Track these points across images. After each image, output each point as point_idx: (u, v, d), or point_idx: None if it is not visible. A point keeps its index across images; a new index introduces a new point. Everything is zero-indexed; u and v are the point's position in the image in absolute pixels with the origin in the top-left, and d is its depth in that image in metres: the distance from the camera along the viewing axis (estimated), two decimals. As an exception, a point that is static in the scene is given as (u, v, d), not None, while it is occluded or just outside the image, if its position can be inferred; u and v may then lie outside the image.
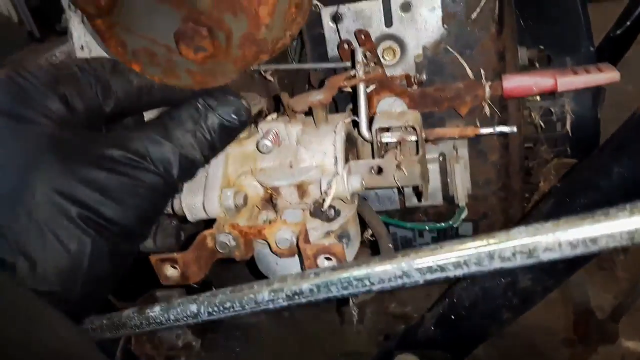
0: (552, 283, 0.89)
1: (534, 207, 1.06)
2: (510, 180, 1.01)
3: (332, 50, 0.95)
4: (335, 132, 0.77)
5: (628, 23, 1.61)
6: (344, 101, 0.96)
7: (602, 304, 1.30)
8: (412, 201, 1.01)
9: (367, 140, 0.82)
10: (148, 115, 0.76)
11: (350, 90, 0.84)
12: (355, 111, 0.83)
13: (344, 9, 0.91)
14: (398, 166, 0.75)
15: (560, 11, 1.21)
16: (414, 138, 0.80)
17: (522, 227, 0.49)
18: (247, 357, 1.29)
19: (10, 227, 0.55)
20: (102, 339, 0.67)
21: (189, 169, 0.68)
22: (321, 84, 0.81)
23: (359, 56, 0.83)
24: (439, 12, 0.88)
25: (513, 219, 1.06)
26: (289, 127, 0.78)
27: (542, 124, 1.12)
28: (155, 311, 0.62)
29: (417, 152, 0.79)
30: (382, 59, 0.92)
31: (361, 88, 0.81)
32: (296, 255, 0.70)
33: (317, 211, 0.75)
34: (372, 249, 0.98)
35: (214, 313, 0.58)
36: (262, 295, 0.56)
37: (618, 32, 1.62)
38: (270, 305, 0.55)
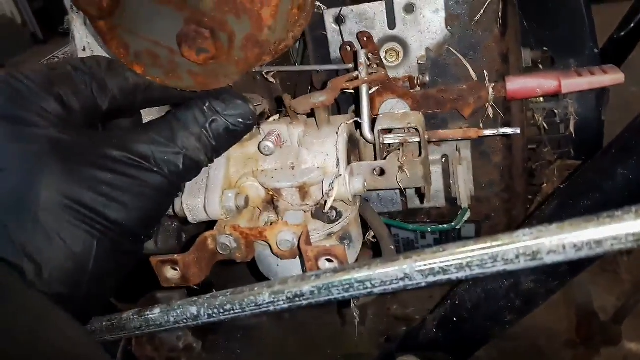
0: (555, 285, 0.88)
1: (538, 208, 1.06)
2: (514, 182, 1.01)
3: (334, 51, 0.94)
4: (337, 133, 0.76)
5: (632, 25, 1.60)
6: (347, 103, 0.96)
7: (605, 306, 1.29)
8: (415, 203, 1.01)
9: (369, 142, 0.82)
10: (147, 116, 0.76)
11: (352, 91, 0.83)
12: (357, 113, 0.82)
13: (346, 10, 0.90)
14: (400, 168, 0.75)
15: (564, 13, 1.20)
16: (416, 139, 0.80)
17: (525, 230, 0.48)
18: (248, 358, 1.29)
19: (16, 231, 0.55)
20: (102, 341, 0.67)
21: (193, 170, 0.68)
22: (324, 86, 0.81)
23: (362, 58, 0.82)
24: (442, 14, 0.88)
25: (516, 220, 1.05)
26: (291, 128, 0.77)
27: (545, 125, 1.11)
28: (155, 313, 0.62)
29: (420, 154, 0.79)
30: (385, 61, 0.92)
31: (364, 89, 0.81)
32: (297, 257, 0.70)
33: (319, 213, 0.75)
34: (374, 251, 0.98)
35: (214, 315, 0.58)
36: (262, 297, 0.55)
37: (622, 33, 1.61)
38: (271, 308, 0.55)
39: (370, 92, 0.84)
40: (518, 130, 0.86)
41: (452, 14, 0.88)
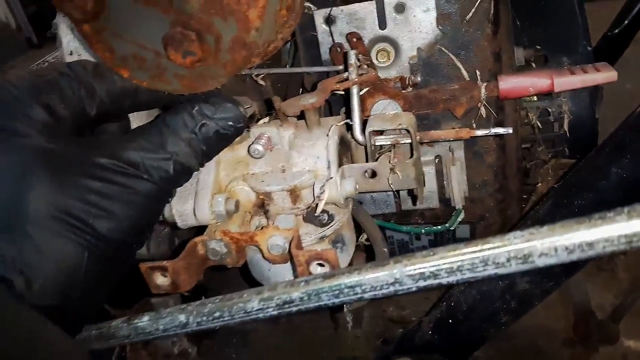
0: (550, 286, 0.87)
1: (532, 208, 1.05)
2: (508, 182, 1.00)
3: (325, 53, 0.94)
4: (328, 135, 0.76)
5: (626, 22, 1.60)
6: (338, 104, 0.95)
7: (603, 304, 1.29)
8: (408, 204, 1.00)
9: (360, 144, 0.81)
10: (136, 120, 0.75)
11: (343, 93, 0.83)
12: (348, 114, 0.81)
13: (337, 11, 0.90)
14: (392, 169, 0.75)
15: (557, 11, 1.20)
16: (408, 141, 0.79)
17: (517, 232, 0.48)
18: (244, 363, 1.29)
19: (5, 245, 0.54)
20: (92, 350, 0.66)
21: (184, 175, 0.67)
22: (314, 87, 0.80)
23: (352, 58, 0.82)
24: (433, 13, 0.87)
25: (511, 220, 1.05)
26: (281, 131, 0.77)
27: (539, 124, 1.11)
28: (144, 321, 0.61)
29: (412, 155, 0.78)
30: (376, 61, 0.91)
31: (354, 91, 0.80)
32: (289, 262, 0.69)
33: (311, 216, 0.74)
34: (367, 254, 0.97)
35: (203, 323, 0.57)
36: (251, 304, 0.54)
37: (616, 31, 1.61)
38: (260, 315, 0.54)
39: (361, 93, 0.83)
40: (510, 130, 0.85)
41: (443, 13, 0.87)
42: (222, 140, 0.69)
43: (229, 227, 0.72)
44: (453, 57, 0.88)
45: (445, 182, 0.95)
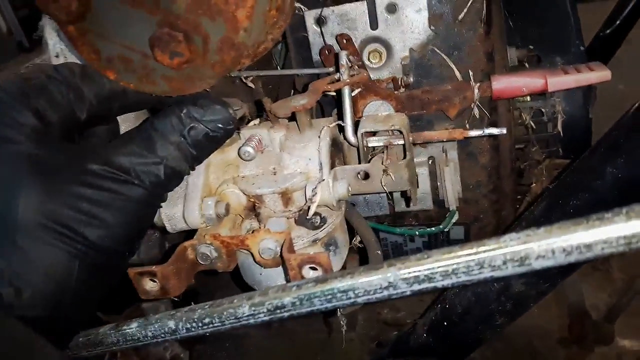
0: (546, 287, 0.87)
1: (526, 209, 1.05)
2: (502, 183, 0.99)
3: (316, 54, 0.93)
4: (320, 137, 0.75)
5: (618, 22, 1.60)
6: (331, 105, 0.94)
7: (597, 304, 1.29)
8: (402, 206, 0.99)
9: (353, 145, 0.80)
10: (124, 122, 0.74)
11: (334, 94, 0.82)
12: (340, 116, 0.80)
13: (327, 11, 0.89)
14: (385, 171, 0.74)
15: (549, 11, 1.20)
16: (400, 142, 0.78)
17: (513, 234, 0.47)
18: (237, 368, 1.27)
19: None
20: (80, 357, 0.65)
21: (175, 179, 0.66)
22: (305, 88, 0.79)
23: (343, 59, 0.81)
24: (425, 13, 0.86)
25: (505, 221, 1.04)
26: (272, 133, 0.76)
27: (533, 124, 1.10)
28: (133, 328, 0.59)
29: (405, 156, 0.77)
30: (368, 62, 0.90)
31: (346, 91, 0.79)
32: (281, 266, 0.68)
33: (303, 219, 0.73)
34: (361, 256, 0.96)
35: (193, 329, 0.56)
36: (242, 310, 0.53)
37: (608, 31, 1.61)
38: (251, 320, 0.53)
39: (353, 94, 0.82)
40: (504, 130, 0.84)
41: (435, 14, 0.86)
42: (212, 142, 0.68)
43: (219, 230, 0.71)
44: (446, 58, 0.87)
45: (438, 184, 0.94)
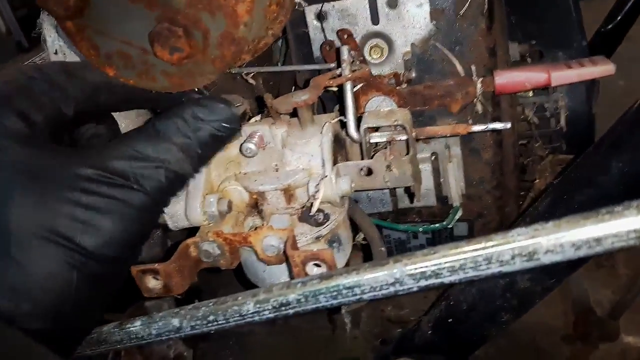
0: (552, 283, 0.86)
1: (530, 205, 1.04)
2: (505, 179, 0.99)
3: (317, 50, 0.92)
4: (322, 133, 0.74)
5: (619, 18, 1.59)
6: (332, 101, 0.94)
7: (602, 300, 1.28)
8: (405, 202, 0.99)
9: (355, 141, 0.79)
10: (125, 122, 0.73)
11: (336, 89, 0.81)
12: (342, 111, 0.80)
13: (328, 6, 0.88)
14: (388, 167, 0.73)
15: (551, 6, 1.19)
16: (403, 137, 0.77)
17: (521, 229, 0.46)
18: (241, 366, 1.27)
19: None
20: (84, 355, 0.64)
21: (178, 183, 0.63)
22: (307, 84, 0.79)
23: (344, 54, 0.80)
24: (426, 8, 0.85)
25: (509, 217, 1.03)
26: (273, 129, 0.75)
27: (536, 120, 1.10)
28: (137, 326, 0.59)
29: (408, 152, 0.76)
30: (369, 58, 0.89)
31: (347, 87, 0.79)
32: (285, 263, 0.67)
33: (306, 216, 0.72)
34: (364, 253, 0.96)
35: (197, 327, 0.55)
36: (247, 307, 0.53)
37: (609, 27, 1.61)
38: (256, 318, 0.52)
39: (355, 89, 0.81)
40: (508, 125, 0.84)
41: (436, 8, 0.85)
42: (217, 142, 0.66)
43: (222, 228, 0.70)
44: (448, 53, 0.87)
45: (442, 180, 0.93)
